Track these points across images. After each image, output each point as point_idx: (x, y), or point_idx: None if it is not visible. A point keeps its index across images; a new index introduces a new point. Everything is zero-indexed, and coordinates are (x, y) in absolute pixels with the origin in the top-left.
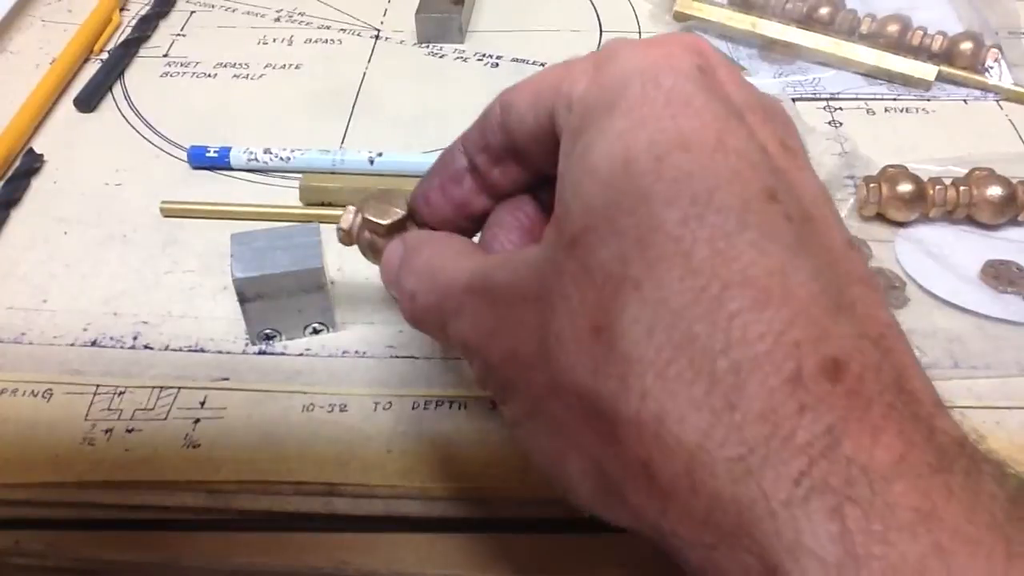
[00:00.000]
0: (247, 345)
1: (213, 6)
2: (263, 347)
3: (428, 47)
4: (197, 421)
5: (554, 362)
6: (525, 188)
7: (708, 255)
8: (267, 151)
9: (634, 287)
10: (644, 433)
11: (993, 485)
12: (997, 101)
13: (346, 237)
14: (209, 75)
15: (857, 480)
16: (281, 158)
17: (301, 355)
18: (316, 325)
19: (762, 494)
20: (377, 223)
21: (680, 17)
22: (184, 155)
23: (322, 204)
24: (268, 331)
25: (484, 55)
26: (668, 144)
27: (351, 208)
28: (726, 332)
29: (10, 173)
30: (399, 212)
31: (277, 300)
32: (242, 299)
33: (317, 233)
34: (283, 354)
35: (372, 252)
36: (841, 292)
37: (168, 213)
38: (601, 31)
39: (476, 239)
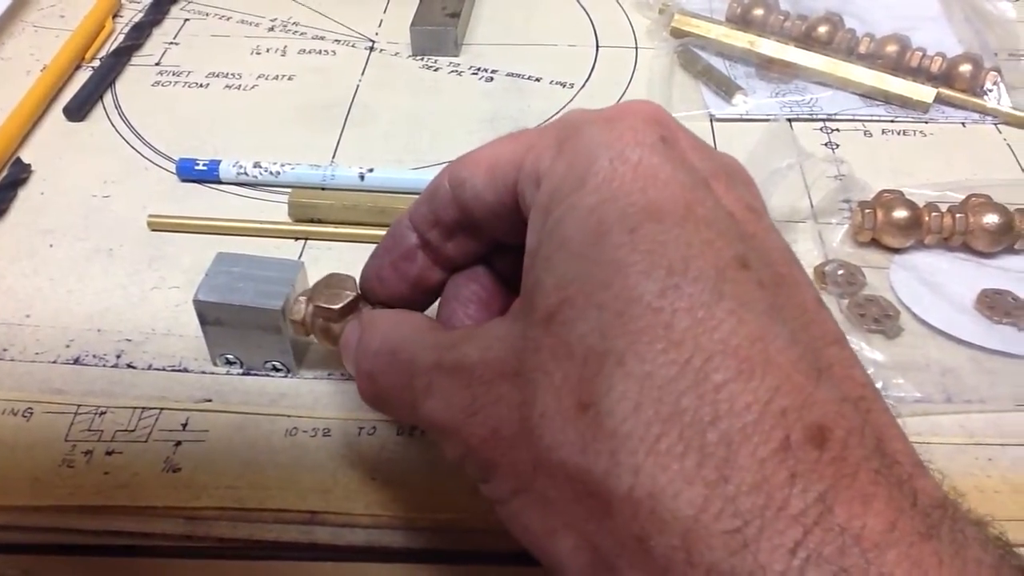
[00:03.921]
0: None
1: (207, 14)
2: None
3: (423, 60)
4: (178, 444)
5: (539, 440)
6: (479, 258)
7: (689, 325)
8: (256, 165)
9: (618, 362)
10: (639, 509)
11: (978, 550)
12: (995, 125)
13: (300, 328)
14: (201, 85)
15: (850, 550)
16: (271, 172)
17: (286, 376)
18: (276, 363)
19: (759, 566)
20: (329, 308)
21: (677, 33)
22: (173, 167)
23: (311, 221)
24: (229, 357)
25: (479, 69)
26: (639, 216)
27: (301, 299)
28: (713, 404)
29: None
30: (349, 294)
31: (236, 330)
32: (202, 320)
33: (296, 272)
34: (267, 375)
35: (328, 339)
36: (818, 355)
37: (155, 227)
38: (598, 46)
39: (431, 311)
